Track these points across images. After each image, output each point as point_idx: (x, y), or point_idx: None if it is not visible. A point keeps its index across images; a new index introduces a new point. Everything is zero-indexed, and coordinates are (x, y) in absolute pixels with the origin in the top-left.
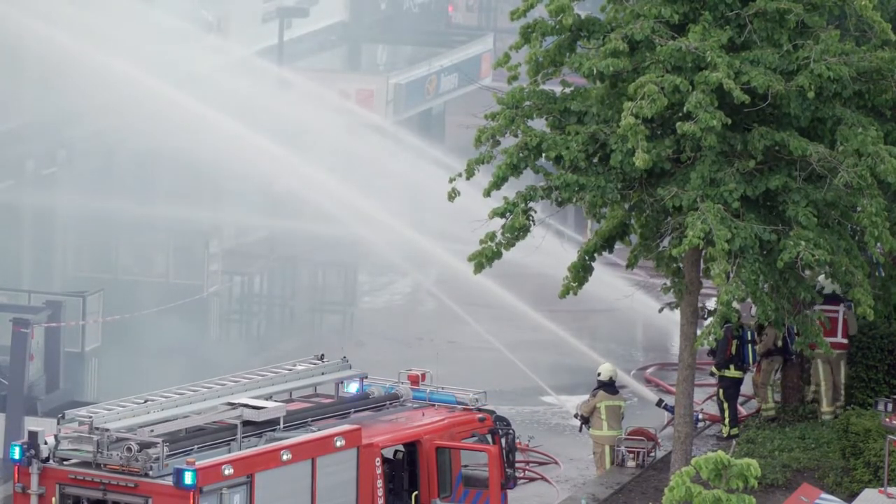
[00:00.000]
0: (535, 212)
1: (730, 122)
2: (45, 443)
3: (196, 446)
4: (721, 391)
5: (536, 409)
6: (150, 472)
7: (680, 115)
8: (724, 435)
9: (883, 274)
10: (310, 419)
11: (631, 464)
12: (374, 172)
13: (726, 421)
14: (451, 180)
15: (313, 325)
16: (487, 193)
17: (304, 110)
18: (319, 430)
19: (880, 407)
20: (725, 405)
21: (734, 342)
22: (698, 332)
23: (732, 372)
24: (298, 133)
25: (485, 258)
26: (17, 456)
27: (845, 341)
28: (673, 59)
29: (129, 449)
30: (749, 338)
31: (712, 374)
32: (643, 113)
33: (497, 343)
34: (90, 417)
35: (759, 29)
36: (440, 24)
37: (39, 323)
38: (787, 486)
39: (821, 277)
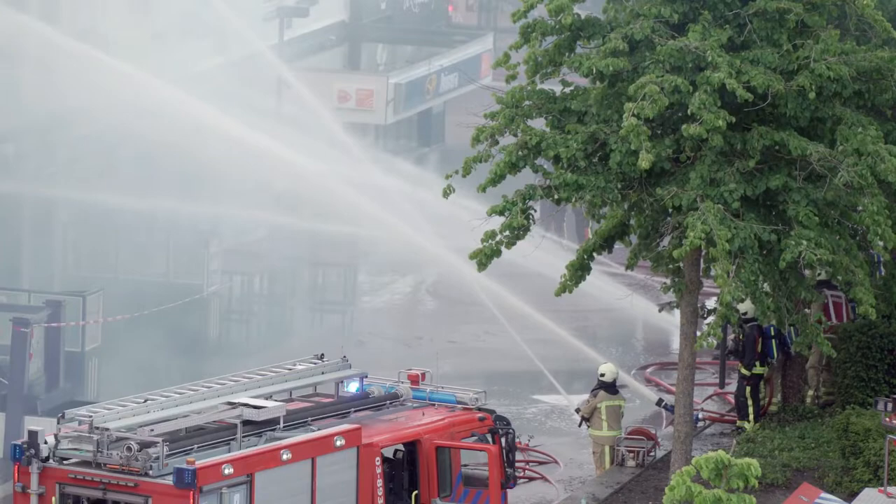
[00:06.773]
0: (535, 211)
1: (733, 120)
2: (45, 442)
3: (196, 446)
4: (749, 388)
5: (536, 409)
6: (150, 472)
7: (680, 115)
8: (750, 431)
9: (883, 273)
10: (309, 419)
11: (631, 463)
12: (373, 172)
13: (751, 417)
14: (448, 177)
15: (313, 325)
16: (483, 189)
17: (303, 109)
18: (319, 429)
19: (880, 407)
20: (750, 402)
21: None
22: (698, 333)
23: (758, 368)
24: (296, 132)
25: (484, 256)
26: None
27: None
28: (673, 59)
29: (129, 448)
30: (772, 333)
31: (742, 374)
32: (644, 114)
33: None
34: (90, 417)
35: (759, 28)
36: (440, 24)
37: (39, 323)
38: (787, 485)
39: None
